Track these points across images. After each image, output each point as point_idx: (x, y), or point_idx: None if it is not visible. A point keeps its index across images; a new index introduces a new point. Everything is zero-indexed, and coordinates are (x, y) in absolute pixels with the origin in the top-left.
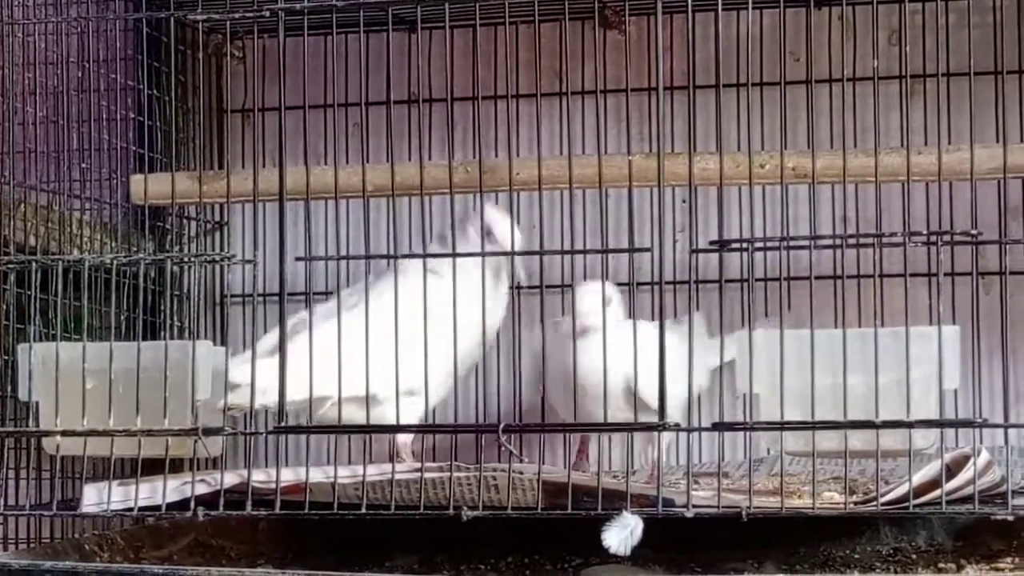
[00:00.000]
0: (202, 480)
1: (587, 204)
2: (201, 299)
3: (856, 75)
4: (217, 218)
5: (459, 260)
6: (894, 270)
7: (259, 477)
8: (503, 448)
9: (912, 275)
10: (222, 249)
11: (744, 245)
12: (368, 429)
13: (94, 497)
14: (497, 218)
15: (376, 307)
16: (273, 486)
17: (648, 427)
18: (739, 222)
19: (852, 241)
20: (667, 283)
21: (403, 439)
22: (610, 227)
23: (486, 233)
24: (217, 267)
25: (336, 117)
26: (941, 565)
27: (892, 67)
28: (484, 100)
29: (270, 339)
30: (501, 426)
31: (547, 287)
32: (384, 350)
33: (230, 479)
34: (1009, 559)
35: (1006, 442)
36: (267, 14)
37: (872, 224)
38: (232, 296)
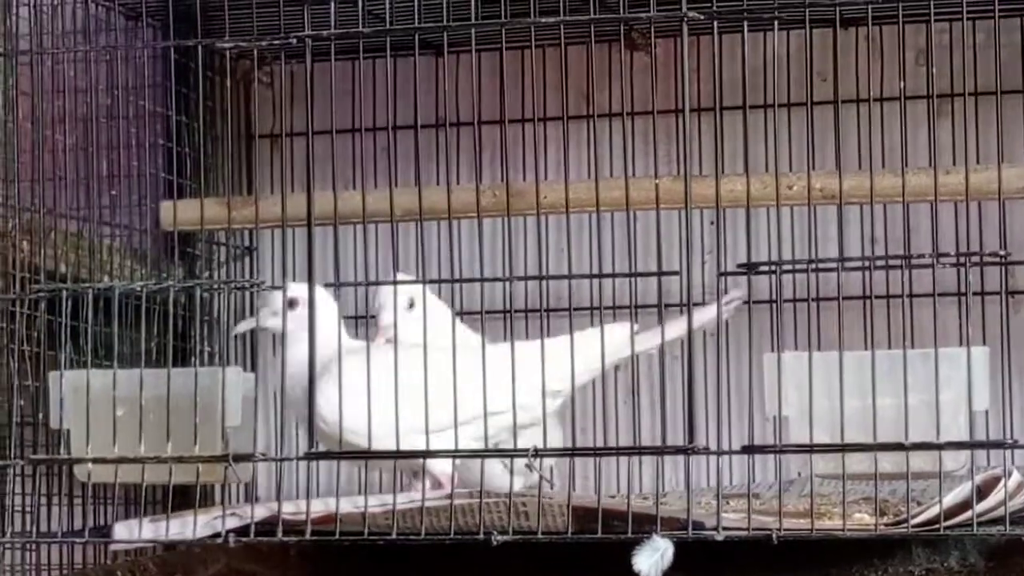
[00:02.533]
0: (233, 514)
1: (615, 227)
2: (231, 325)
3: (883, 95)
4: (246, 243)
5: None
6: (923, 291)
7: (289, 509)
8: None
9: (941, 295)
10: (251, 274)
11: (772, 268)
12: (398, 455)
13: (124, 534)
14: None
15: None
16: (303, 517)
17: (678, 450)
18: (767, 243)
19: (880, 263)
20: (695, 305)
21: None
22: (638, 250)
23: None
24: (244, 295)
25: (364, 142)
26: None
27: (919, 87)
28: (512, 123)
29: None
30: (531, 450)
31: (575, 310)
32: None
33: (260, 512)
34: None
35: None
36: (294, 41)
37: (900, 244)
38: None
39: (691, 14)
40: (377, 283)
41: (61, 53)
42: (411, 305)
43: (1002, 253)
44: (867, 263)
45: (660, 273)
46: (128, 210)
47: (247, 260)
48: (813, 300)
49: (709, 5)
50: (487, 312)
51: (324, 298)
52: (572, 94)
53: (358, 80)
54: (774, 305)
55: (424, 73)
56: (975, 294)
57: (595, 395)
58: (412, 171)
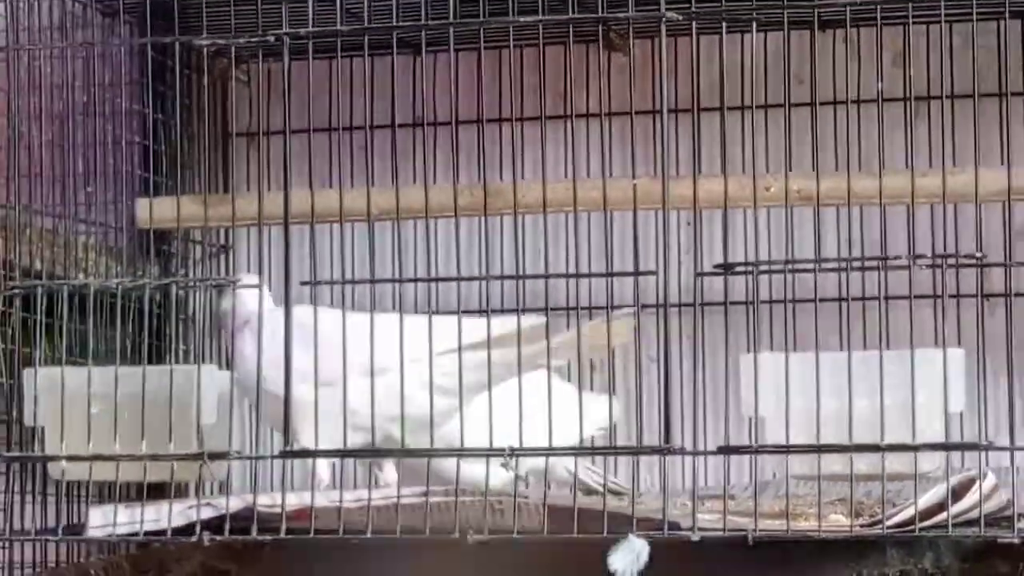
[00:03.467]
0: (208, 504)
1: (591, 227)
2: (206, 323)
3: (860, 97)
4: (222, 242)
5: None
6: (898, 292)
7: (264, 501)
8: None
9: (917, 297)
10: (227, 273)
11: (749, 269)
12: (374, 453)
13: (99, 519)
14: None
15: None
16: (279, 510)
17: (654, 451)
18: (743, 244)
19: (857, 264)
20: (671, 306)
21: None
22: (614, 250)
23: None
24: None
25: (341, 140)
26: None
27: (896, 89)
28: (489, 123)
29: None
30: (507, 449)
31: (552, 310)
32: None
33: (235, 503)
34: None
35: (1011, 464)
36: (272, 39)
37: (876, 246)
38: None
39: (669, 14)
40: (353, 281)
41: (37, 49)
42: None
43: (978, 255)
44: (844, 264)
45: (636, 273)
46: (104, 207)
47: (222, 258)
48: (789, 301)
49: (687, 6)
50: (464, 312)
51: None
52: (549, 95)
53: (336, 79)
54: (750, 306)
55: (402, 72)
56: (951, 296)
57: None
58: (389, 170)
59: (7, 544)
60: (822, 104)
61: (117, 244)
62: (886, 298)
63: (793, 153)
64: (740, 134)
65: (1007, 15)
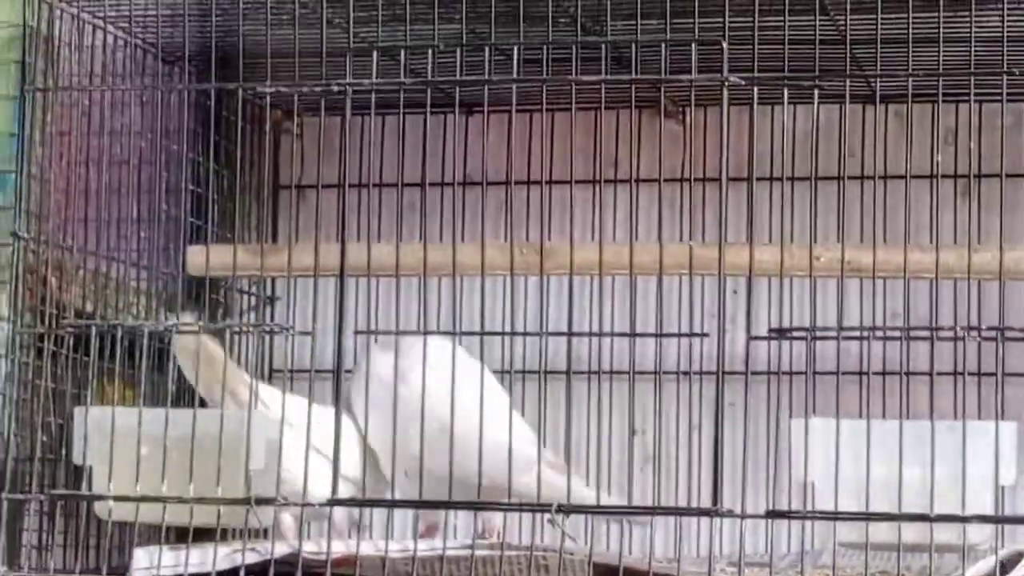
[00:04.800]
0: (252, 549)
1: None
2: (252, 371)
3: (911, 172)
4: (268, 293)
5: None
6: (942, 367)
7: (310, 547)
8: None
9: (970, 374)
10: (274, 322)
11: (803, 334)
12: (421, 504)
13: (145, 561)
14: None
15: None
16: (323, 557)
17: (702, 512)
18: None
19: (906, 334)
20: (707, 373)
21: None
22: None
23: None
24: (265, 341)
25: (397, 196)
26: None
27: (945, 166)
28: (535, 184)
29: None
30: (554, 506)
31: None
32: None
33: (280, 548)
34: None
35: None
36: (335, 89)
37: (924, 320)
38: (287, 370)
39: (732, 78)
40: (405, 332)
41: (99, 91)
42: None
43: None
44: (897, 333)
45: (690, 335)
46: (156, 253)
47: (267, 309)
48: (841, 372)
49: (748, 74)
50: (516, 371)
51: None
52: (584, 158)
53: (394, 133)
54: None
55: (449, 129)
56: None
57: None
58: (436, 226)
59: None
60: (877, 178)
61: (168, 290)
62: (937, 373)
63: (840, 224)
64: (779, 203)
65: None
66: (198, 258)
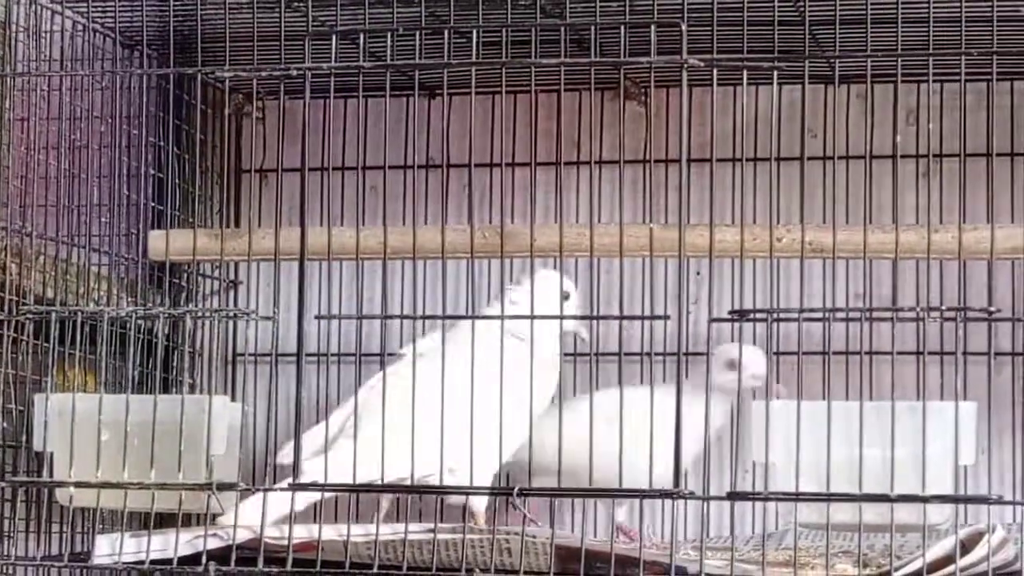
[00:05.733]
0: (214, 534)
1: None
2: (214, 356)
3: (872, 152)
4: (231, 277)
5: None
6: (905, 346)
7: (272, 533)
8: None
9: (931, 354)
10: (236, 307)
11: (763, 316)
12: (383, 489)
13: (106, 548)
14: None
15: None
16: (285, 542)
17: (662, 494)
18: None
19: (867, 314)
20: (684, 354)
21: (478, 505)
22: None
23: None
24: (229, 325)
25: (359, 180)
26: None
27: (907, 146)
28: (497, 166)
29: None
30: (516, 489)
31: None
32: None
33: (243, 534)
34: None
35: (1014, 519)
36: (294, 73)
37: (885, 300)
38: (247, 354)
39: (691, 60)
40: (366, 316)
41: (58, 77)
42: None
43: (991, 309)
44: (856, 315)
45: (651, 317)
46: (116, 238)
47: (230, 293)
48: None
49: (708, 55)
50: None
51: None
52: (546, 140)
53: (351, 118)
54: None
55: (411, 113)
56: (962, 353)
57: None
58: (398, 210)
59: (11, 569)
60: (838, 158)
61: (128, 275)
62: (899, 353)
63: (801, 205)
64: (753, 185)
65: None
66: (159, 243)
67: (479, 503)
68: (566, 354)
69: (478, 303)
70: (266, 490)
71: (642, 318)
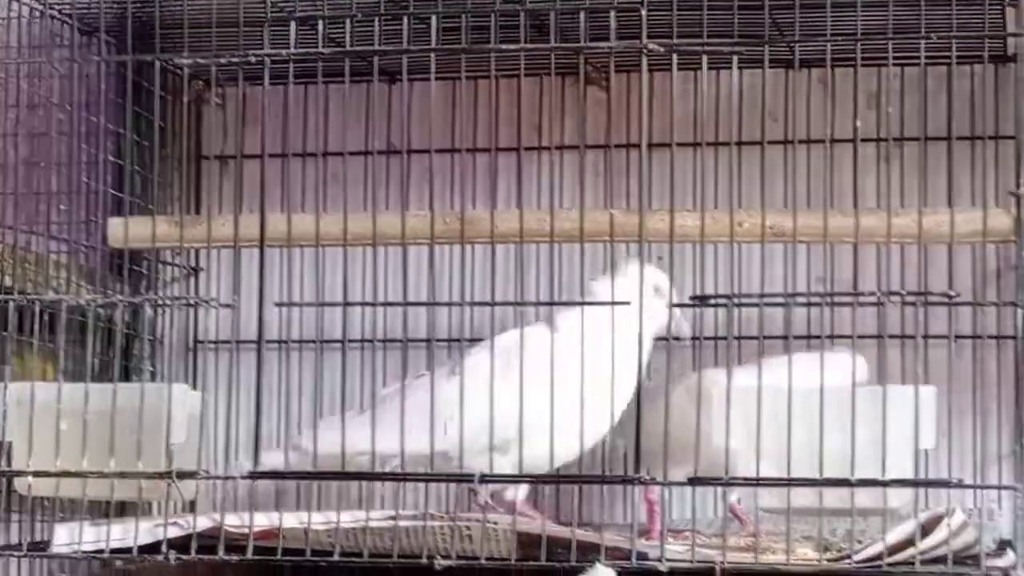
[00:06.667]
0: (174, 523)
1: (563, 258)
2: (175, 344)
3: (834, 136)
4: (193, 264)
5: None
6: (865, 331)
7: (232, 521)
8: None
9: (891, 337)
10: (197, 294)
11: (724, 302)
12: (344, 476)
13: (65, 537)
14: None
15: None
16: (246, 531)
17: (622, 480)
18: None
19: (829, 300)
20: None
21: (520, 496)
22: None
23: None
24: (190, 313)
25: (319, 166)
26: None
27: (868, 130)
28: (460, 152)
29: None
30: (477, 475)
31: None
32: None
33: (203, 523)
34: None
35: (974, 503)
36: (253, 60)
37: (846, 284)
38: (208, 342)
39: (651, 45)
40: (327, 304)
41: (15, 64)
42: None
43: (951, 293)
44: (816, 300)
45: (613, 303)
46: (76, 226)
47: (192, 280)
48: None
49: (668, 40)
50: (437, 340)
51: None
52: (507, 125)
53: (312, 104)
54: (723, 341)
55: (375, 100)
56: (922, 336)
57: None
58: (360, 196)
59: None
60: (799, 143)
61: (88, 263)
62: (859, 337)
63: (762, 190)
64: (714, 170)
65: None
66: (118, 230)
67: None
68: None
69: (438, 290)
70: (223, 478)
71: (604, 304)
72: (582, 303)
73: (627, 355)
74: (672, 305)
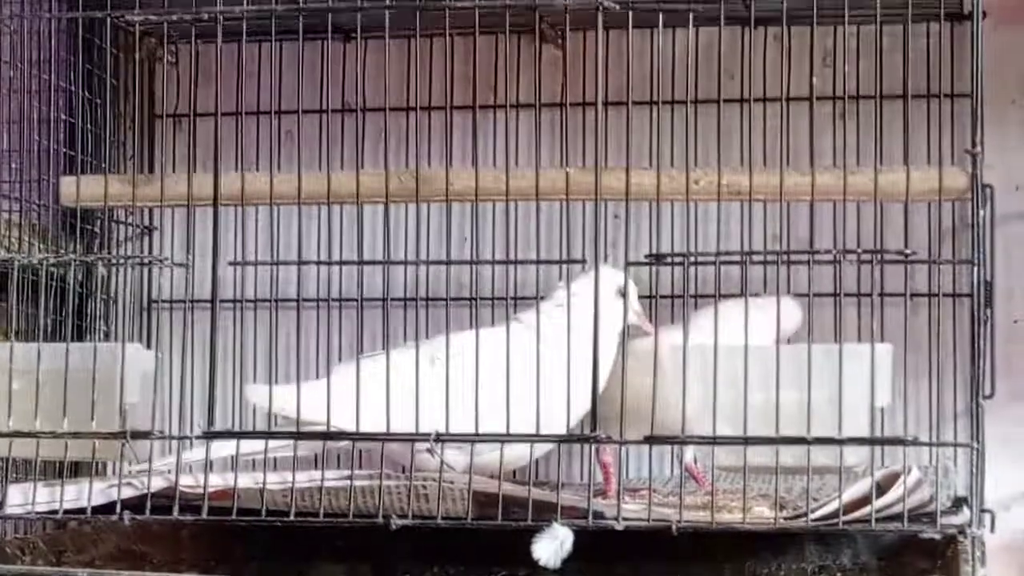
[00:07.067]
0: (128, 483)
1: (519, 218)
2: (129, 303)
3: (790, 94)
4: (146, 223)
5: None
6: (823, 289)
7: (187, 481)
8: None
9: (847, 295)
10: (151, 253)
11: (680, 260)
12: (299, 436)
13: (19, 498)
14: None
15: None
16: (201, 491)
17: (579, 439)
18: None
19: (785, 258)
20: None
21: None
22: (542, 241)
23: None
24: (144, 271)
25: (273, 124)
26: None
27: (824, 88)
28: (415, 111)
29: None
30: (433, 434)
31: (481, 299)
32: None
33: (157, 483)
34: None
35: (930, 460)
36: (205, 17)
37: (802, 243)
38: (162, 301)
39: (606, 3)
40: (281, 263)
41: None
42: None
43: (907, 252)
44: (773, 258)
45: (568, 261)
46: (28, 185)
47: (146, 239)
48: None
49: None
50: (392, 299)
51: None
52: (463, 84)
53: (266, 62)
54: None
55: (330, 57)
56: (878, 294)
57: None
58: (316, 155)
59: None
60: (755, 101)
61: (40, 222)
62: (815, 295)
63: (721, 148)
64: (670, 128)
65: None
66: (70, 189)
67: None
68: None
69: (393, 248)
70: (177, 438)
71: (559, 262)
72: (537, 261)
73: (604, 353)
74: (628, 264)
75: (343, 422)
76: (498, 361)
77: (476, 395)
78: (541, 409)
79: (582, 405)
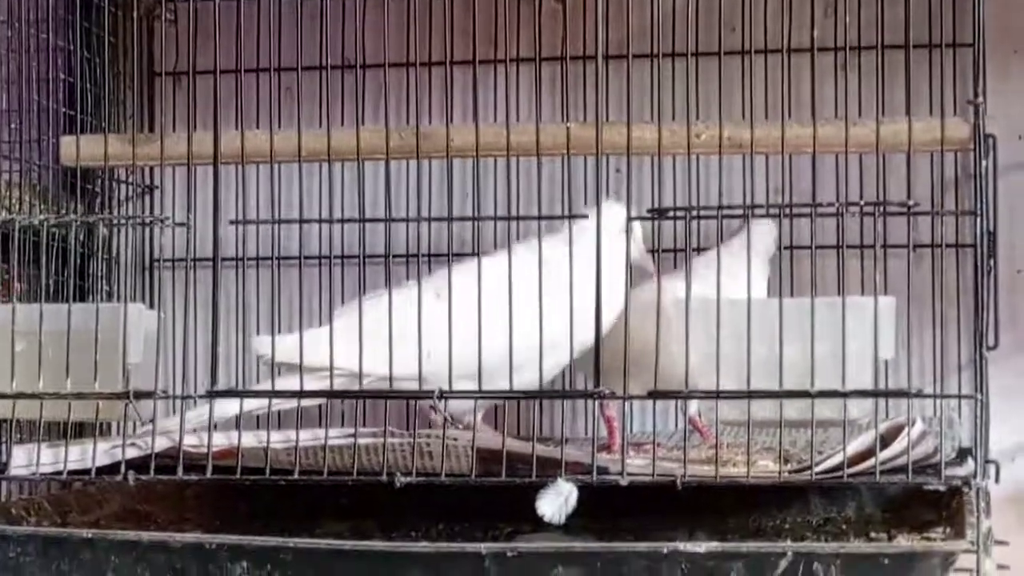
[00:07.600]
0: (132, 444)
1: (520, 173)
2: (131, 263)
3: (791, 46)
4: (147, 182)
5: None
6: (825, 241)
7: (191, 441)
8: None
9: (850, 247)
10: (152, 213)
11: (682, 214)
12: (302, 395)
13: (23, 459)
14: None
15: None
16: (204, 450)
17: (582, 395)
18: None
19: (788, 211)
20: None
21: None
22: (543, 197)
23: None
24: (145, 231)
25: (272, 81)
26: (872, 535)
27: (826, 39)
28: (415, 66)
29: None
30: (437, 391)
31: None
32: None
33: (161, 443)
34: (939, 529)
35: (934, 412)
36: None
37: (805, 196)
38: (163, 260)
39: None
40: (283, 221)
41: None
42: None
43: (909, 203)
44: (775, 211)
45: (570, 216)
46: (28, 145)
47: (147, 199)
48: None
49: None
50: (394, 256)
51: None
52: (462, 38)
53: (264, 19)
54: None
55: (331, 13)
56: (880, 246)
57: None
58: (316, 112)
59: None
60: (756, 52)
61: (41, 182)
62: (818, 247)
63: (723, 101)
64: (671, 82)
65: None
66: (70, 149)
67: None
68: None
69: (394, 205)
70: (181, 397)
71: (562, 217)
72: (539, 217)
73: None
74: (630, 219)
75: (348, 363)
76: (502, 289)
77: (480, 322)
78: (545, 335)
79: (587, 333)
